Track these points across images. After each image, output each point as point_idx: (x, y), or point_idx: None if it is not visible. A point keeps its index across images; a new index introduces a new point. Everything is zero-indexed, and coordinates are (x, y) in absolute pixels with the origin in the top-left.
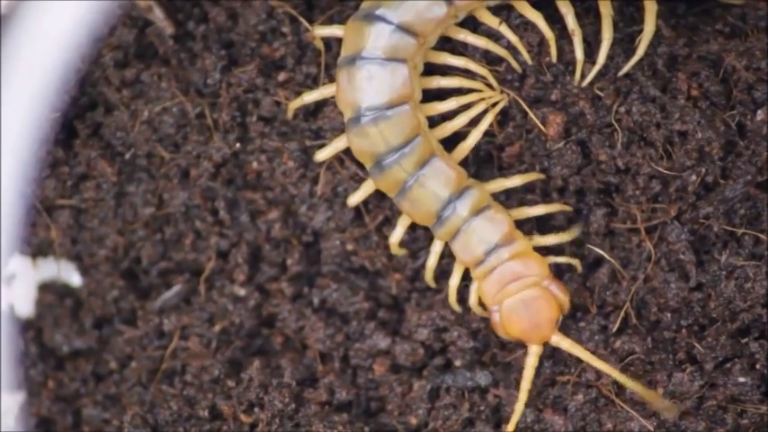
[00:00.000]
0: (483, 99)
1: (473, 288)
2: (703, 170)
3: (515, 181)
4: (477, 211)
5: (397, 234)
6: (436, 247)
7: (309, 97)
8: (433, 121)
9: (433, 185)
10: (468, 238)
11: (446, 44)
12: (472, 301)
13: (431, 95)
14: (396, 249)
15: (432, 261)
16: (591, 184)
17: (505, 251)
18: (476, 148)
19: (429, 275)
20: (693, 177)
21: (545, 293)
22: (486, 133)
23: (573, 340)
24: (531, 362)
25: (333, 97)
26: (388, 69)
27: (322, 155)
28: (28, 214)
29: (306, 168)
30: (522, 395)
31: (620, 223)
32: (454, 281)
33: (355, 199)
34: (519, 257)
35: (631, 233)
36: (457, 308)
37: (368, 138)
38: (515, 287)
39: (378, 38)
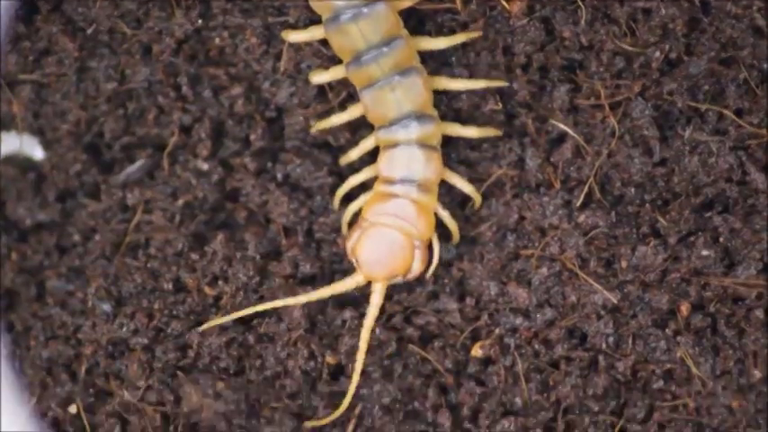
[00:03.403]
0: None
1: (362, 198)
2: (667, 47)
3: (471, 132)
4: (422, 141)
5: (340, 119)
6: (368, 143)
7: None
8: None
9: (401, 95)
10: (401, 158)
11: None
12: (353, 206)
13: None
14: (321, 126)
15: (356, 152)
16: (554, 61)
17: (415, 191)
18: (438, 26)
19: (344, 160)
20: (657, 54)
21: (408, 248)
22: (450, 11)
23: (537, 215)
24: (374, 300)
25: None
26: None
27: (295, 37)
28: None
29: (269, 45)
30: (365, 332)
31: (583, 99)
32: (355, 206)
33: (320, 79)
34: (420, 207)
35: (595, 109)
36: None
37: (348, 35)
38: (393, 222)
39: None
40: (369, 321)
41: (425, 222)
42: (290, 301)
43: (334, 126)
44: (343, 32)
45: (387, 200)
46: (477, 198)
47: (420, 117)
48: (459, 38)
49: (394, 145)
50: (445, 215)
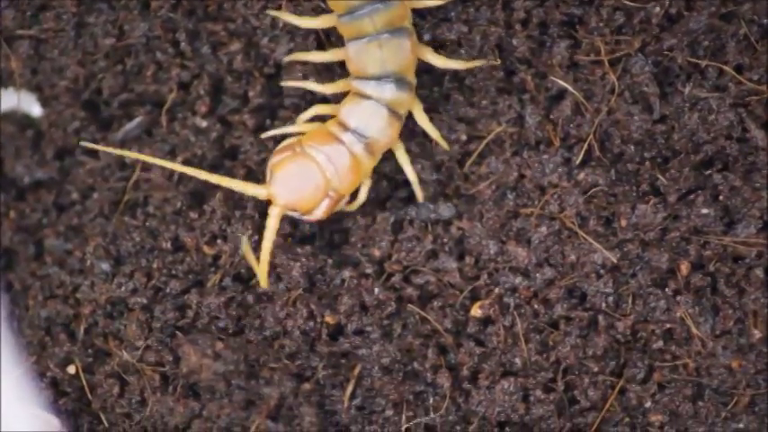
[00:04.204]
0: None
1: (315, 109)
2: (667, 2)
3: (457, 64)
4: (392, 105)
5: (317, 58)
6: (342, 85)
7: None
8: None
9: (387, 54)
10: (365, 111)
11: None
12: (307, 114)
13: None
14: (296, 57)
15: (330, 88)
16: (554, 16)
17: (360, 146)
18: None
19: (319, 89)
20: (657, 9)
21: (321, 193)
22: None
23: (536, 173)
24: (270, 224)
25: None
26: None
27: (314, 57)
28: None
29: (268, 0)
30: (264, 254)
31: (583, 55)
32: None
33: (310, 24)
34: (355, 164)
35: (595, 65)
36: None
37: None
38: (323, 163)
39: None
40: (266, 244)
41: (351, 180)
42: (170, 165)
43: (309, 62)
44: None
45: (331, 141)
46: (443, 144)
47: (399, 80)
48: (461, 64)
49: (364, 97)
50: (365, 188)
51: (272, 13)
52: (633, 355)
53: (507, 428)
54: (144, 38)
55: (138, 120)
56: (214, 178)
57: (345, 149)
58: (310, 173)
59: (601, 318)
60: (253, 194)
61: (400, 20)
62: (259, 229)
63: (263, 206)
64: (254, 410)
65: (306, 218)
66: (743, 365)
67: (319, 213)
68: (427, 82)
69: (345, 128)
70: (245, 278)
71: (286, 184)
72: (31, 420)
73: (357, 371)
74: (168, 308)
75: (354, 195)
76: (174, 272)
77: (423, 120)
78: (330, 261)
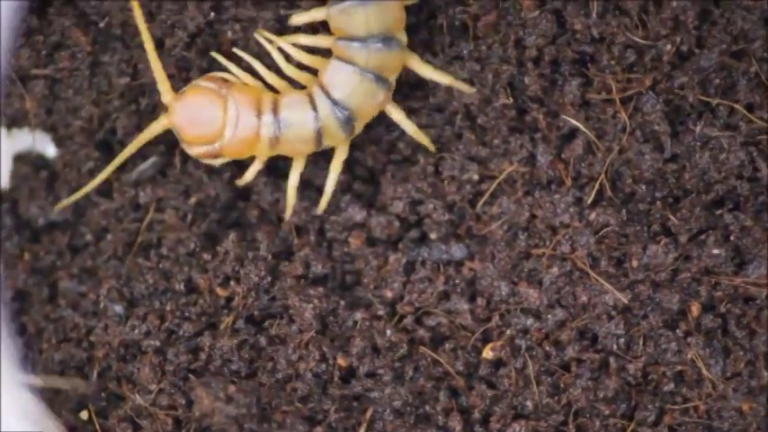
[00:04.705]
0: None
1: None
2: (678, 39)
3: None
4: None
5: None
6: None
7: None
8: None
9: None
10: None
11: None
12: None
13: None
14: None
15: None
16: (566, 54)
17: (268, 129)
18: (450, 18)
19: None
20: (668, 47)
21: (209, 135)
22: (461, 2)
23: (548, 213)
24: (153, 126)
25: None
26: None
27: (298, 19)
28: (2, 84)
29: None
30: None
31: (595, 94)
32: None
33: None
34: (251, 137)
35: (606, 104)
36: None
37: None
38: (236, 108)
39: None
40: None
41: (237, 149)
42: None
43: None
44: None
45: (251, 106)
46: (462, 86)
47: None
48: (447, 80)
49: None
50: (253, 169)
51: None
52: (644, 397)
53: None
54: None
55: (152, 160)
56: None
57: (255, 123)
58: (213, 116)
59: (612, 360)
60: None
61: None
62: (271, 271)
63: (275, 247)
64: None
65: (182, 145)
66: (753, 408)
67: (192, 151)
68: (439, 121)
69: (274, 109)
70: (258, 320)
71: (188, 106)
72: None
73: (369, 414)
74: (181, 350)
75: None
76: (187, 314)
77: (427, 70)
78: (342, 303)
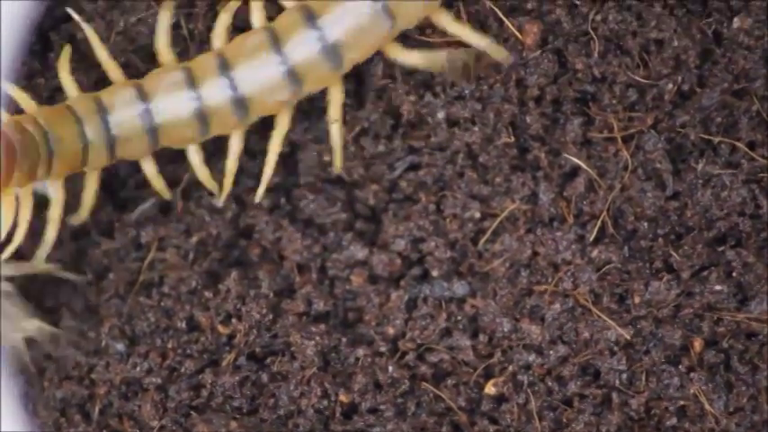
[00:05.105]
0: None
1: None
2: (680, 78)
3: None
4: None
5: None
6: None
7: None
8: None
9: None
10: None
11: None
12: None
13: None
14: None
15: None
16: (567, 94)
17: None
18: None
19: None
20: (670, 86)
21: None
22: (462, 44)
23: (550, 250)
24: None
25: None
26: None
27: None
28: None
29: None
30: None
31: (596, 132)
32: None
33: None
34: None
35: (608, 142)
36: None
37: None
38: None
39: None
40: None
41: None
42: None
43: None
44: None
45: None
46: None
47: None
48: None
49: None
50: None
51: None
52: None
53: None
54: None
55: (153, 200)
56: None
57: (30, 141)
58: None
59: (614, 395)
60: None
61: None
62: (273, 308)
63: (277, 285)
64: None
65: None
66: None
67: None
68: (440, 159)
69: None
70: (260, 357)
71: None
72: None
73: None
74: (183, 387)
75: None
76: (188, 351)
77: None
78: (344, 339)
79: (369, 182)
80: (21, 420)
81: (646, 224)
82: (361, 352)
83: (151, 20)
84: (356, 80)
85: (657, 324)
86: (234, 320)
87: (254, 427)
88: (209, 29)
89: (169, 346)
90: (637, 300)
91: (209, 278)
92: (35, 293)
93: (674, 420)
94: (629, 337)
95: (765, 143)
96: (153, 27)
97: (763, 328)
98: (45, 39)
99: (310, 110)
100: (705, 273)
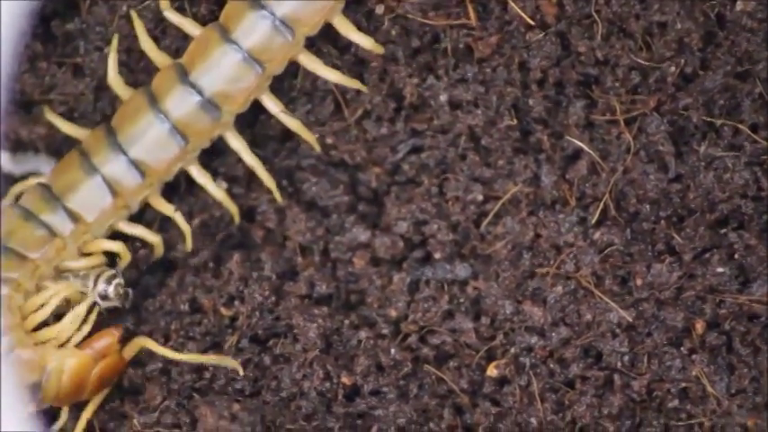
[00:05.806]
0: None
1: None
2: (683, 61)
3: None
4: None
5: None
6: None
7: None
8: None
9: None
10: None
11: None
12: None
13: None
14: None
15: None
16: (570, 76)
17: None
18: (453, 41)
19: None
20: (673, 68)
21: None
22: (464, 26)
23: (552, 232)
24: None
25: None
26: None
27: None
28: (7, 109)
29: None
30: None
31: (599, 115)
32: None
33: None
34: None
35: (611, 125)
36: None
37: None
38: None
39: None
40: None
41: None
42: None
43: None
44: None
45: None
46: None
47: None
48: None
49: None
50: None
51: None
52: (649, 414)
53: None
54: None
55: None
56: None
57: None
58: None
59: (616, 377)
60: None
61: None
62: (275, 291)
63: (280, 267)
64: None
65: None
66: (758, 424)
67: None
68: (443, 142)
69: None
70: (263, 339)
71: None
72: None
73: (374, 431)
74: (185, 369)
75: None
76: (191, 333)
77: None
78: (347, 322)
79: (371, 164)
80: (21, 420)
81: (648, 206)
82: (363, 334)
83: (154, 4)
84: (359, 65)
85: (659, 306)
86: (236, 303)
87: (257, 409)
88: (212, 12)
89: (172, 327)
90: (639, 282)
91: (211, 260)
92: None
93: (675, 402)
94: (631, 320)
95: None
96: (156, 12)
97: (764, 310)
98: (48, 22)
99: (312, 90)
100: (707, 255)
